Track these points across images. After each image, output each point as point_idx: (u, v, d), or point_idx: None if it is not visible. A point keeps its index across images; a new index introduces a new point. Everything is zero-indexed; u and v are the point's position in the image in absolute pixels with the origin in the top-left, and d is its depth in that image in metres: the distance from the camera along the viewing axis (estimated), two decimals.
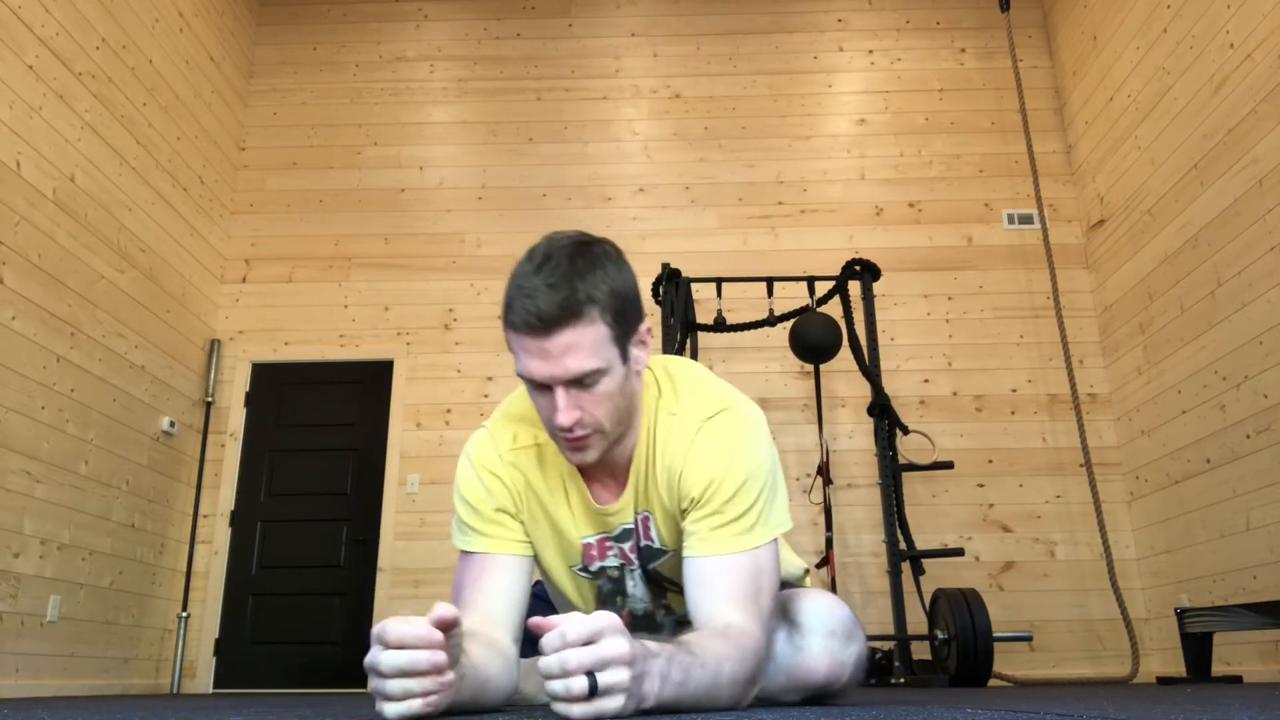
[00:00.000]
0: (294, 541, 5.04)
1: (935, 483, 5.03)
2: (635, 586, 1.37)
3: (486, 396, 5.24)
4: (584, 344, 1.13)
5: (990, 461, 5.07)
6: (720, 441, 1.26)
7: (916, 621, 4.67)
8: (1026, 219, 5.47)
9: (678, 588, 1.34)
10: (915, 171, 5.59)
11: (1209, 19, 4.21)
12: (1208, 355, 4.24)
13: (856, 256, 4.51)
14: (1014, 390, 5.19)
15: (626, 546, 1.34)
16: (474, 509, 1.31)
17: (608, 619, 0.92)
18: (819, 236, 5.48)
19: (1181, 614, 3.79)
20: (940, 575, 4.82)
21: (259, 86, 5.85)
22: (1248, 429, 3.96)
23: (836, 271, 5.34)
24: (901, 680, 3.84)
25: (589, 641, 0.90)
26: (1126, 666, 4.71)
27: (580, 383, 1.15)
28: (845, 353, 5.18)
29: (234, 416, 5.22)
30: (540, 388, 1.18)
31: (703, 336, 5.24)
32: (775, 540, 1.27)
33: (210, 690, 4.82)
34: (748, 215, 5.54)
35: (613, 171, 5.65)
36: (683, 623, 1.36)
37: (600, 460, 1.27)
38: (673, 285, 4.38)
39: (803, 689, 1.33)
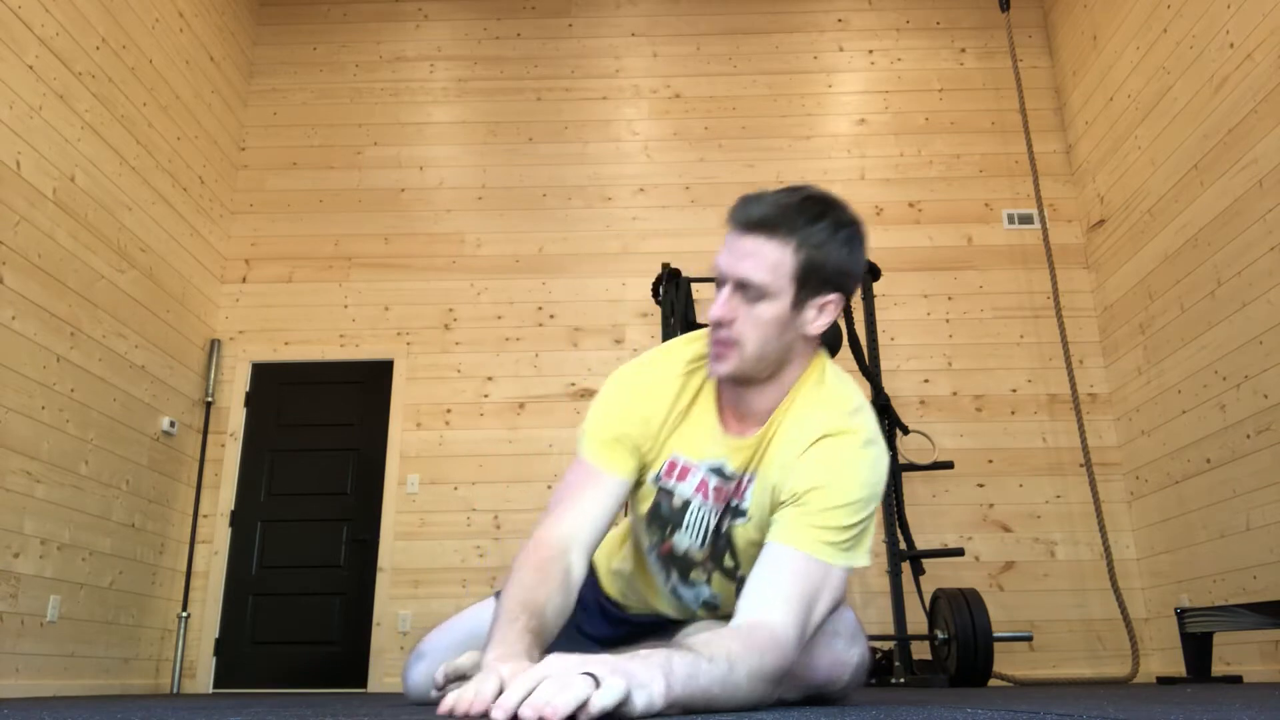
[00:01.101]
0: (294, 541, 5.04)
1: (935, 483, 5.03)
2: (691, 527, 1.39)
3: (486, 396, 5.24)
4: (764, 258, 1.23)
5: (990, 461, 5.07)
6: (851, 455, 1.29)
7: (916, 621, 4.67)
8: (1026, 219, 5.47)
9: (730, 568, 1.38)
10: (915, 171, 5.59)
11: (1209, 19, 4.21)
12: (1208, 355, 4.24)
13: None
14: (1014, 390, 5.19)
15: (713, 484, 1.37)
16: (604, 425, 1.38)
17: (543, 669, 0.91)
18: None
19: (1181, 614, 3.79)
20: (940, 575, 4.82)
21: (259, 86, 5.85)
22: (1248, 429, 3.96)
23: None
24: (901, 680, 3.84)
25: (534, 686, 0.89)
26: (1126, 666, 4.71)
27: (745, 289, 1.25)
28: (845, 353, 5.18)
29: (234, 416, 5.22)
30: (719, 284, 1.29)
31: None
32: (846, 571, 1.27)
33: (210, 690, 4.82)
34: None
35: (613, 171, 5.65)
36: (713, 607, 1.42)
37: (736, 394, 1.34)
38: (673, 285, 4.38)
39: (803, 687, 1.33)
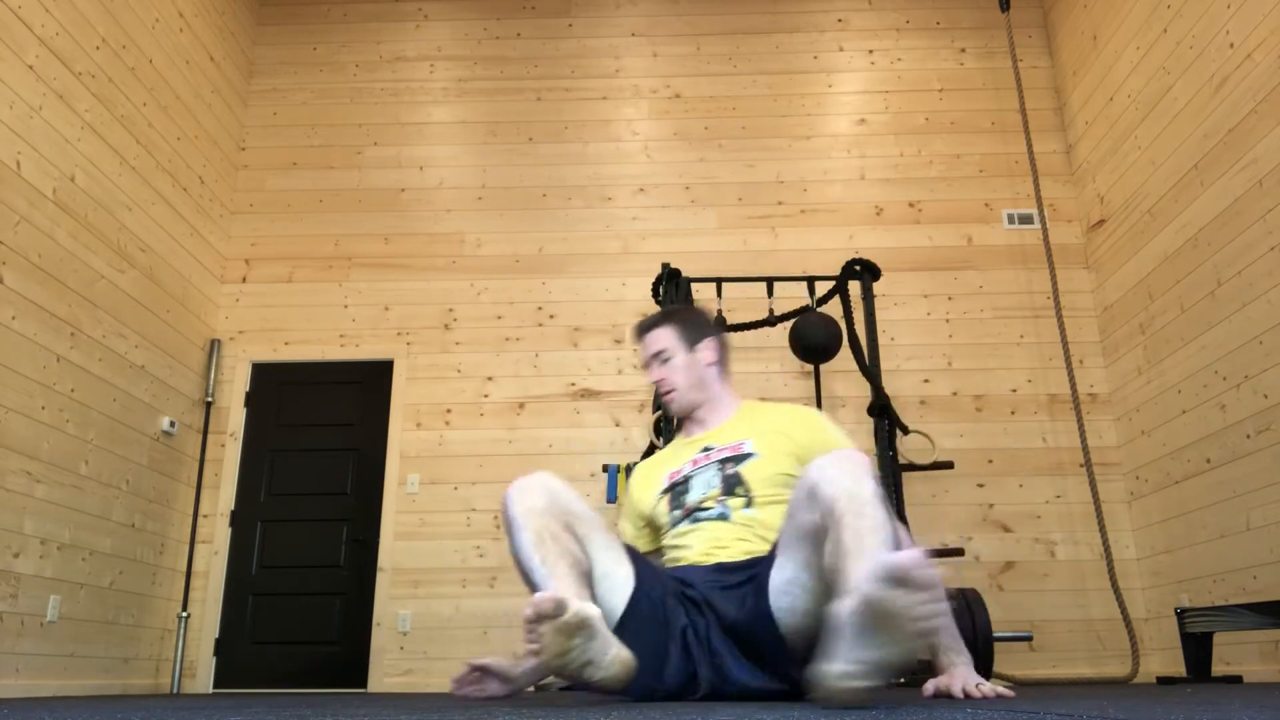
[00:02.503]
0: (294, 541, 5.04)
1: (935, 483, 5.03)
2: (697, 485, 1.92)
3: (486, 396, 5.24)
4: (660, 338, 2.07)
5: (990, 461, 5.07)
6: (808, 412, 2.05)
7: None
8: (1026, 219, 5.47)
9: (745, 493, 1.87)
10: (915, 171, 5.59)
11: (1209, 19, 4.21)
12: (1208, 355, 4.24)
13: (856, 256, 4.51)
14: (1014, 390, 5.19)
15: (701, 456, 1.96)
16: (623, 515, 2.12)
17: None
18: (819, 236, 5.48)
19: (1181, 614, 3.79)
20: (940, 575, 4.82)
21: (259, 86, 5.85)
22: (1248, 429, 3.96)
23: (836, 271, 5.35)
24: (902, 680, 3.84)
25: None
26: (1126, 666, 4.71)
27: (658, 357, 2.05)
28: (845, 353, 5.18)
29: (234, 416, 5.22)
30: (646, 367, 2.08)
31: None
32: None
33: (210, 690, 4.82)
34: (748, 215, 5.54)
35: (613, 171, 5.65)
36: (723, 516, 1.85)
37: (693, 419, 2.07)
38: (673, 285, 4.38)
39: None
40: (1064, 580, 4.88)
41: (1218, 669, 4.14)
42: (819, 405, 4.64)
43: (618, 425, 5.18)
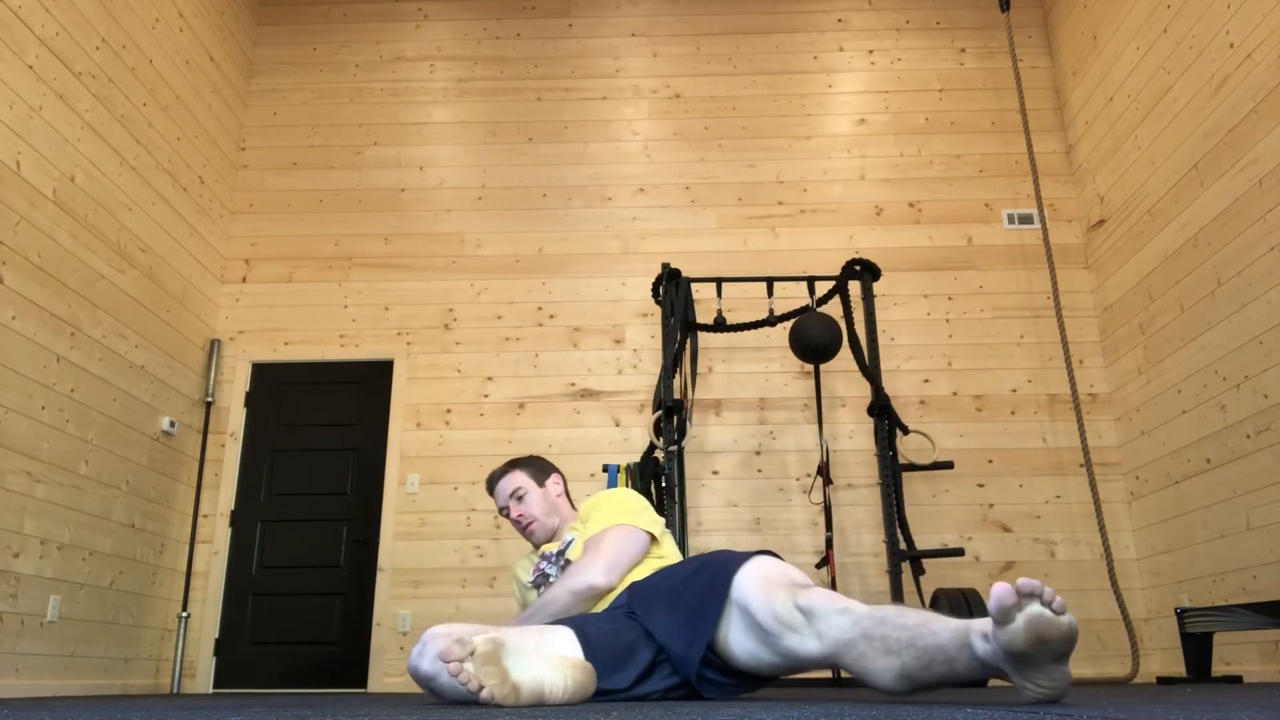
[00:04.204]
0: (294, 541, 5.04)
1: (935, 483, 5.03)
2: (551, 573, 2.25)
3: (486, 396, 5.24)
4: (514, 480, 2.40)
5: (990, 461, 5.07)
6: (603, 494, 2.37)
7: None
8: (1026, 219, 5.47)
9: (565, 564, 2.23)
10: (915, 171, 5.59)
11: (1209, 19, 4.21)
12: (1208, 355, 4.24)
13: (856, 256, 4.52)
14: (1014, 390, 5.19)
15: (548, 558, 2.30)
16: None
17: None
18: (819, 236, 5.48)
19: (1181, 614, 3.79)
20: (940, 575, 4.82)
21: (259, 86, 5.85)
22: (1248, 429, 3.96)
23: (836, 271, 5.36)
24: None
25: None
26: (1126, 666, 4.71)
27: (514, 496, 2.38)
28: (845, 353, 5.18)
29: (234, 416, 5.22)
30: (504, 513, 2.40)
31: (703, 336, 5.24)
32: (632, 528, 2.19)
33: (210, 690, 4.82)
34: (748, 215, 5.54)
35: (613, 171, 5.65)
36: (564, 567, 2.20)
37: (544, 541, 2.38)
38: (673, 285, 4.38)
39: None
40: (1064, 580, 4.88)
41: (1218, 669, 4.15)
42: (819, 405, 4.65)
43: (618, 425, 5.18)
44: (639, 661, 1.73)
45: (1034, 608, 1.21)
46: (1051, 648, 1.22)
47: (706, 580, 1.73)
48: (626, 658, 1.73)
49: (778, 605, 1.57)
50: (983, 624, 1.30)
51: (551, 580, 2.21)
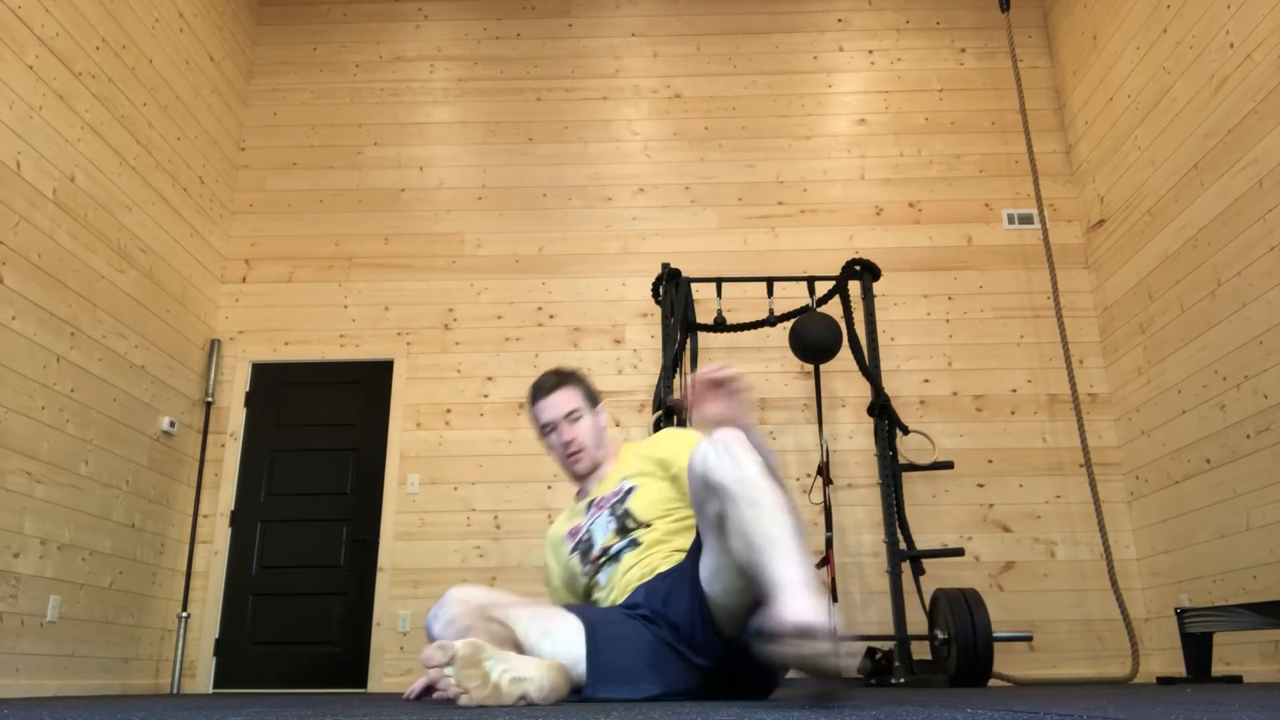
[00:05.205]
0: (294, 541, 5.04)
1: (935, 483, 5.03)
2: (597, 531, 2.02)
3: (486, 396, 5.24)
4: (569, 398, 2.10)
5: (990, 461, 5.07)
6: (672, 431, 2.15)
7: (916, 621, 4.67)
8: (1026, 219, 5.47)
9: (637, 523, 1.99)
10: (915, 171, 5.59)
11: (1209, 19, 4.21)
12: (1208, 355, 4.24)
13: (856, 256, 4.52)
14: (1014, 390, 5.19)
15: (593, 509, 2.06)
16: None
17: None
18: (819, 236, 5.48)
19: (1181, 614, 3.80)
20: (940, 575, 4.82)
21: (259, 86, 5.85)
22: (1248, 429, 3.96)
23: (836, 271, 5.36)
24: (901, 680, 3.84)
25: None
26: (1126, 666, 4.71)
27: (569, 416, 2.09)
28: (845, 353, 5.18)
29: (234, 416, 5.22)
30: (552, 429, 2.09)
31: (703, 336, 5.24)
32: None
33: (210, 690, 4.82)
34: (748, 215, 5.54)
35: (613, 171, 5.65)
36: (634, 544, 1.97)
37: (592, 473, 2.14)
38: (673, 285, 4.38)
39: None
40: (1064, 580, 4.88)
41: (1218, 669, 4.15)
42: (819, 405, 4.65)
43: (618, 425, 5.18)
44: (642, 674, 1.71)
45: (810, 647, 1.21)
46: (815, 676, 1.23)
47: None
48: (630, 668, 1.71)
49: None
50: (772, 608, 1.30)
51: (595, 546, 1.99)
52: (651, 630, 1.76)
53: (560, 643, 1.69)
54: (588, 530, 2.03)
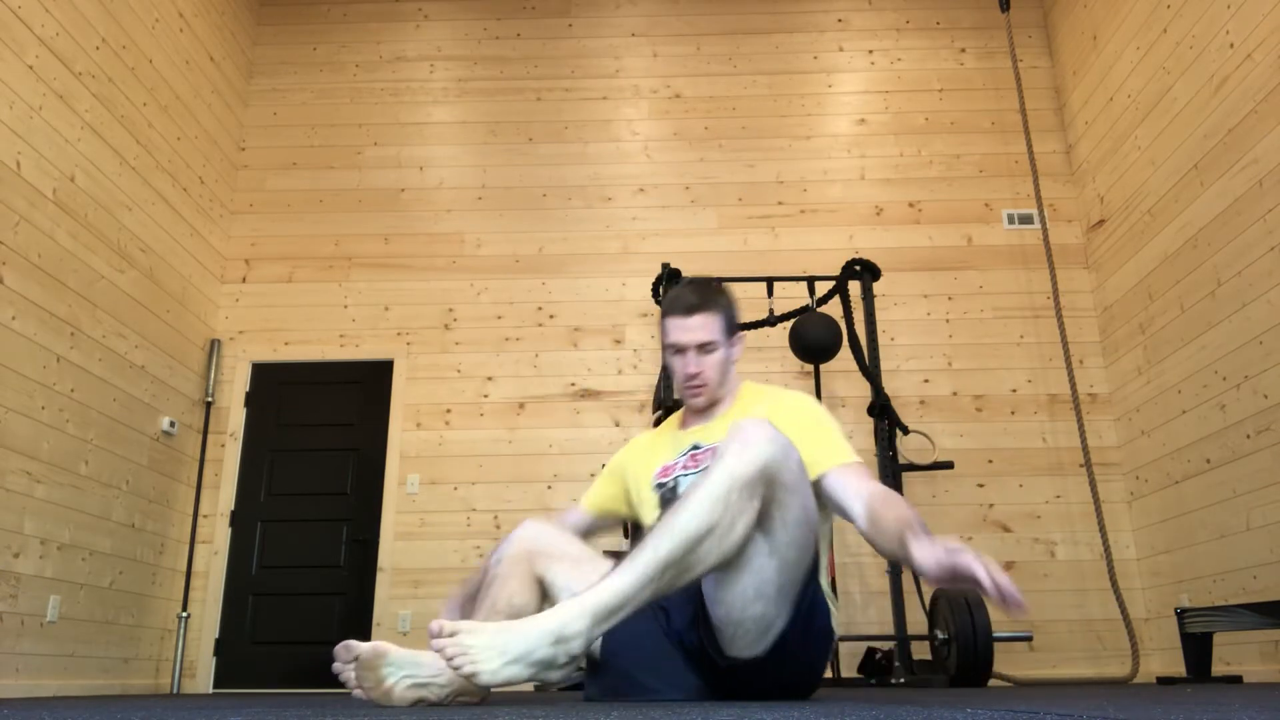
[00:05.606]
0: (294, 541, 5.04)
1: (935, 483, 5.03)
2: (684, 489, 1.85)
3: (486, 396, 5.24)
4: (707, 327, 1.86)
5: (990, 461, 5.07)
6: (798, 399, 1.93)
7: (916, 621, 4.67)
8: (1026, 219, 5.47)
9: None
10: (915, 171, 5.59)
11: (1209, 19, 4.21)
12: (1208, 355, 4.24)
13: (856, 256, 4.52)
14: (1014, 390, 5.19)
15: (687, 458, 1.90)
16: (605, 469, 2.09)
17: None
18: (819, 236, 5.48)
19: (1181, 614, 3.80)
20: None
21: (259, 86, 5.85)
22: (1248, 429, 3.96)
23: (836, 271, 5.36)
24: (901, 680, 3.84)
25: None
26: (1126, 666, 4.71)
27: (701, 348, 1.87)
28: (845, 353, 5.18)
29: (234, 416, 5.22)
30: (679, 351, 1.88)
31: None
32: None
33: (210, 690, 4.82)
34: (748, 215, 5.54)
35: (613, 171, 5.65)
36: None
37: (701, 410, 1.95)
38: (673, 285, 4.38)
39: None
40: (1064, 580, 4.88)
41: (1218, 669, 4.15)
42: None
43: (617, 425, 5.18)
44: (648, 675, 1.70)
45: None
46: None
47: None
48: (639, 667, 1.70)
49: None
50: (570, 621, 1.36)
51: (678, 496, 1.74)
52: (658, 622, 1.74)
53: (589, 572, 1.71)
54: (675, 481, 1.86)
